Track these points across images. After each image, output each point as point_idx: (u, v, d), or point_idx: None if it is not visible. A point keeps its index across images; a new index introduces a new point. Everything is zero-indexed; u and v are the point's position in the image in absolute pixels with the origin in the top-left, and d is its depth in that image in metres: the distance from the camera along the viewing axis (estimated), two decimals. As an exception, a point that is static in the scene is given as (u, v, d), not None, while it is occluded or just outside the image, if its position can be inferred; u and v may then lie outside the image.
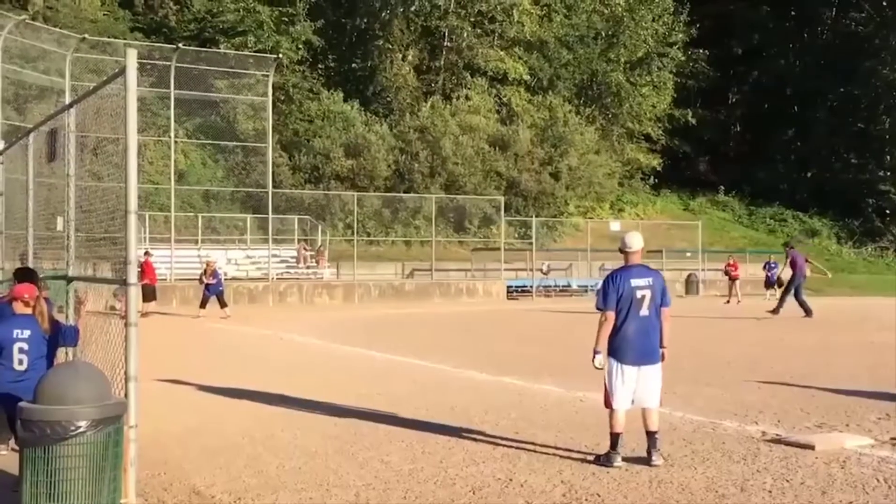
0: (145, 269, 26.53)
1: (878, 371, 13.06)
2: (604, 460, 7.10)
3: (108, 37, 37.57)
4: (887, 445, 7.81)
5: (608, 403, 7.26)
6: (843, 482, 6.62)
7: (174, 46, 34.35)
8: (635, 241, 7.43)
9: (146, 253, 27.87)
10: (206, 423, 9.14)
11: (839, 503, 6.08)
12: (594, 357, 7.24)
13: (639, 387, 7.18)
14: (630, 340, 7.17)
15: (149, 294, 26.20)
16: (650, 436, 7.16)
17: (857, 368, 13.41)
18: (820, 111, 56.70)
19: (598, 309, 7.34)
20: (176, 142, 35.18)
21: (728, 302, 32.11)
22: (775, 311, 23.94)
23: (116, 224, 6.60)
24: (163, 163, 37.17)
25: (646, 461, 7.08)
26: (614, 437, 7.13)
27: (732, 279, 33.43)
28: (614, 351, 7.22)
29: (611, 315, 7.20)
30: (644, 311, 7.21)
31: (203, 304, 25.61)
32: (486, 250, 40.44)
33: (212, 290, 25.61)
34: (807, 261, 25.05)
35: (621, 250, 7.46)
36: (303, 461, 7.38)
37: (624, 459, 7.10)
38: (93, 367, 5.68)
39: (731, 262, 34.42)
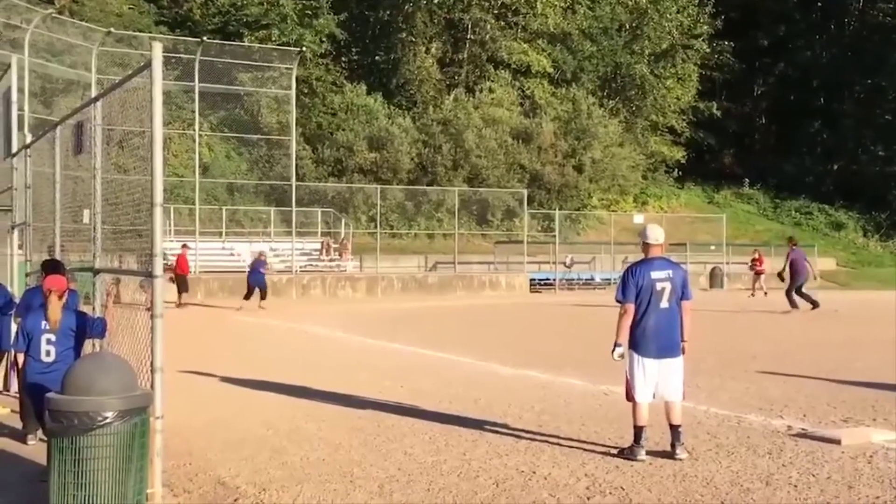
0: (180, 261, 26.80)
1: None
2: (628, 454, 7.08)
3: (134, 30, 37.80)
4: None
5: (629, 396, 7.26)
6: (870, 477, 6.56)
7: (199, 40, 34.51)
8: (657, 234, 7.42)
9: (184, 246, 28.14)
10: (231, 414, 9.19)
11: (866, 498, 6.03)
12: (614, 349, 7.24)
13: (660, 380, 7.17)
14: (650, 333, 7.16)
15: (183, 285, 26.49)
16: (673, 429, 7.14)
17: (883, 363, 13.29)
18: (847, 103, 56.15)
19: (617, 301, 7.33)
20: (200, 135, 35.37)
21: (752, 295, 31.83)
22: (789, 309, 23.63)
23: (142, 217, 6.65)
24: (187, 156, 37.38)
25: (670, 455, 7.06)
26: (638, 431, 7.11)
27: (757, 273, 33.11)
28: (635, 344, 7.21)
29: (630, 307, 7.19)
30: (664, 304, 7.19)
31: (247, 296, 25.78)
32: (508, 243, 40.38)
33: (253, 279, 25.87)
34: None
35: (643, 242, 7.44)
36: (327, 453, 7.41)
37: (648, 453, 7.08)
38: (119, 359, 5.73)
39: (757, 255, 34.06)
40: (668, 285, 7.21)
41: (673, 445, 7.11)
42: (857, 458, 7.10)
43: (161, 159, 5.92)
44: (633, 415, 7.22)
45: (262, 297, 25.54)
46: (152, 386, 5.84)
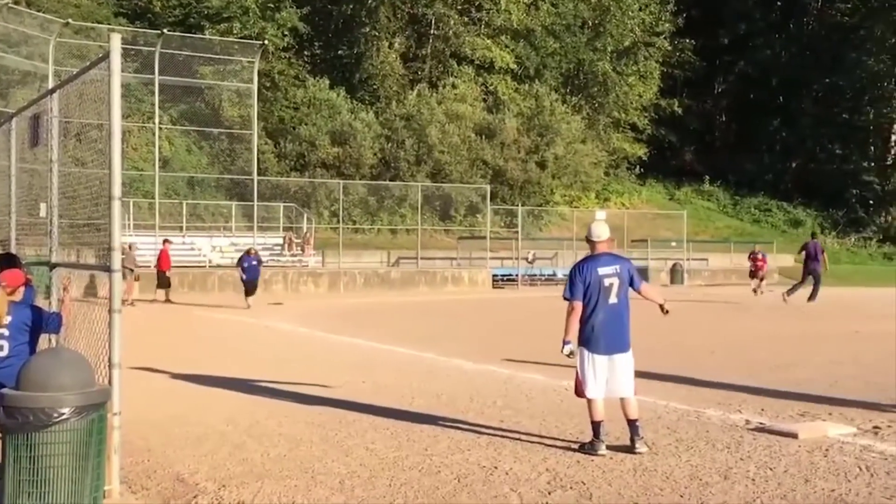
0: (161, 256, 26.55)
1: (861, 360, 13.15)
2: (588, 448, 7.12)
3: (92, 21, 37.29)
4: (869, 434, 7.85)
5: (580, 393, 7.29)
6: (826, 470, 6.65)
7: (159, 32, 34.16)
8: (600, 231, 7.43)
9: (166, 241, 27.85)
10: (190, 410, 9.11)
11: (822, 491, 6.11)
12: (563, 346, 7.24)
13: (611, 376, 7.18)
14: (599, 329, 7.18)
15: (164, 281, 26.22)
16: (631, 424, 7.17)
17: (841, 357, 13.49)
18: (805, 102, 56.91)
19: (564, 299, 7.35)
20: (160, 128, 35.04)
21: (757, 292, 30.68)
22: (811, 298, 24.92)
23: (100, 210, 6.56)
24: (147, 149, 37.00)
25: (630, 449, 7.10)
26: (595, 426, 7.15)
27: (758, 269, 31.85)
28: (585, 341, 7.23)
29: (577, 305, 7.21)
30: (613, 300, 7.21)
31: (247, 294, 24.77)
32: (471, 239, 40.43)
33: (248, 276, 24.84)
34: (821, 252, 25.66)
35: (588, 240, 7.45)
36: (287, 449, 7.37)
37: (608, 448, 7.12)
38: (76, 354, 5.64)
39: (761, 256, 32.86)
40: (615, 280, 7.22)
41: (632, 440, 7.13)
42: (814, 452, 7.19)
43: (119, 152, 5.84)
44: (588, 411, 7.25)
45: (250, 294, 24.64)
46: (110, 382, 5.76)
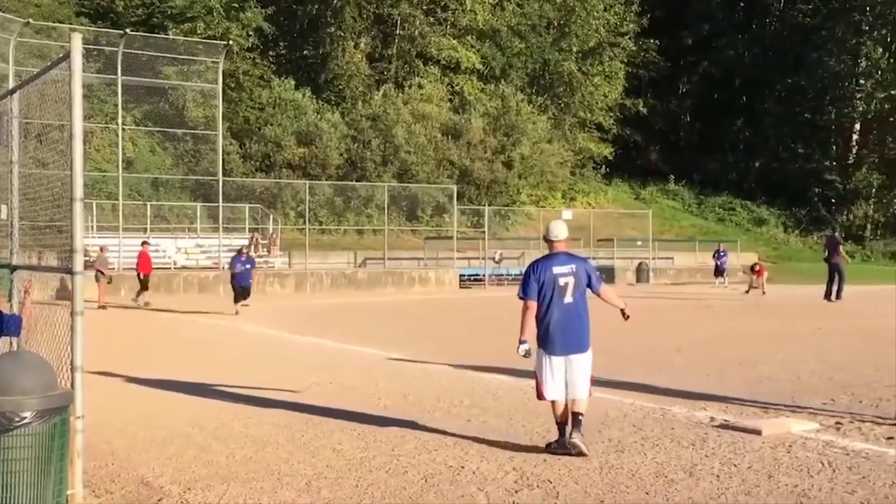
0: (140, 259, 26.19)
1: (824, 356, 13.32)
2: (555, 447, 7.11)
3: (53, 21, 36.83)
4: (832, 430, 7.96)
5: (540, 395, 7.25)
6: (789, 466, 6.73)
7: (121, 32, 33.75)
8: (558, 231, 7.36)
9: (144, 243, 27.50)
10: (155, 413, 9.02)
11: (785, 486, 6.18)
12: (519, 346, 7.17)
13: (568, 377, 7.10)
14: (555, 330, 7.10)
15: (142, 284, 25.86)
16: (574, 416, 7.08)
17: (804, 354, 13.66)
18: (768, 102, 57.47)
19: (519, 298, 7.27)
20: (123, 129, 34.63)
21: (757, 292, 30.29)
22: (838, 297, 25.27)
23: (62, 212, 6.49)
24: (110, 150, 36.61)
25: (572, 448, 6.97)
26: (560, 426, 7.15)
27: (758, 273, 31.24)
28: (541, 341, 7.17)
29: (532, 304, 7.14)
30: (568, 299, 7.11)
31: (237, 299, 22.52)
32: (438, 239, 40.44)
33: (240, 280, 22.46)
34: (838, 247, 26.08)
35: (546, 239, 7.41)
36: (253, 451, 7.32)
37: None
38: (38, 357, 5.57)
39: (759, 268, 32.30)
40: (571, 280, 7.12)
41: (570, 433, 7.03)
42: (777, 448, 7.28)
43: (81, 153, 5.78)
44: (552, 412, 7.25)
45: (241, 299, 22.39)
46: (72, 385, 5.70)
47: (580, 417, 7.08)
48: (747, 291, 30.75)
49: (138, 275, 25.92)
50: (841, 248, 26.48)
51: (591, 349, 7.22)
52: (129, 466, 6.83)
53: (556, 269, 7.14)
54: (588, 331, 7.20)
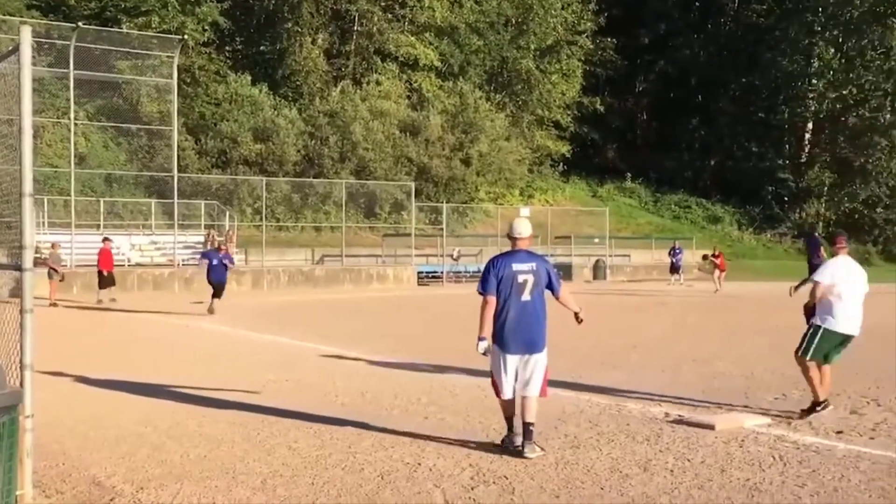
0: (101, 255, 25.74)
1: (776, 352, 13.49)
2: (507, 442, 7.10)
3: (3, 14, 36.13)
4: (783, 424, 8.07)
5: (498, 393, 7.17)
6: (741, 460, 6.82)
7: (73, 25, 33.19)
8: (521, 228, 7.28)
9: (106, 239, 27.03)
10: (108, 412, 8.90)
11: (737, 480, 6.26)
12: (478, 343, 7.08)
13: (521, 375, 7.02)
14: (510, 328, 6.99)
15: (105, 281, 25.41)
16: (526, 427, 6.94)
17: (756, 350, 13.84)
18: (723, 101, 58.11)
19: (479, 293, 7.18)
20: (76, 124, 34.10)
21: (722, 284, 31.22)
22: None
23: (11, 208, 6.37)
24: (62, 145, 36.06)
25: (518, 453, 6.89)
26: (508, 421, 7.14)
27: (717, 266, 32.07)
28: (498, 339, 7.04)
29: (490, 299, 7.04)
30: (525, 297, 7.00)
31: (215, 295, 21.16)
32: (396, 236, 40.39)
33: (213, 276, 21.22)
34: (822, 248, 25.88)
35: (509, 236, 7.34)
36: (208, 449, 7.25)
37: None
38: (-15, 356, 5.48)
39: (717, 252, 33.29)
40: (530, 278, 7.03)
41: (522, 444, 6.91)
42: (730, 443, 7.37)
43: (31, 148, 5.69)
44: (501, 409, 7.25)
45: (216, 296, 21.12)
46: (22, 384, 5.60)
47: (531, 427, 6.93)
48: (716, 291, 30.46)
49: (100, 272, 25.48)
50: (822, 249, 26.42)
51: (546, 349, 7.13)
52: (80, 466, 6.73)
53: (516, 266, 7.06)
54: (544, 330, 7.12)
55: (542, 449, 7.00)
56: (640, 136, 63.42)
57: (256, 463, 6.79)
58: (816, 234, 27.48)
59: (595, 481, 6.26)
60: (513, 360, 7.02)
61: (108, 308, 23.56)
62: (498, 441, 7.32)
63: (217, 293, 21.13)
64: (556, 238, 42.27)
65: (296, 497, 5.91)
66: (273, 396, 9.67)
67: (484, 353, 7.11)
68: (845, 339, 8.53)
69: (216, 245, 22.35)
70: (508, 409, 7.14)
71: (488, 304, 7.07)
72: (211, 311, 20.54)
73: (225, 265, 21.47)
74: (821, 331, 8.46)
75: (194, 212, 37.21)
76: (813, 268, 25.37)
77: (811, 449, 7.18)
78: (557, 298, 7.34)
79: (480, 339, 7.07)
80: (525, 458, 6.79)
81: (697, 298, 27.33)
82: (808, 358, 8.46)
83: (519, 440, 6.98)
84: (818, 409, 8.37)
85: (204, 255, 22.36)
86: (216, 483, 6.24)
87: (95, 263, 26.00)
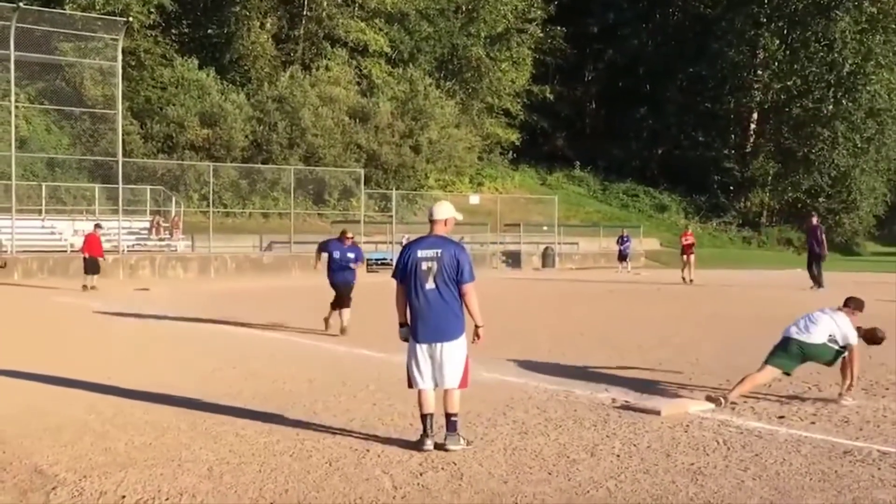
0: (88, 241, 25.18)
1: (719, 340, 13.72)
2: (418, 445, 6.72)
3: (-60, -7, 35.18)
4: (727, 410, 8.19)
5: (408, 384, 6.92)
6: (686, 445, 6.92)
7: (14, 6, 32.36)
8: (439, 211, 6.94)
9: (96, 226, 26.50)
10: (49, 401, 8.74)
11: (682, 465, 6.35)
12: (399, 330, 6.93)
13: (434, 366, 6.72)
14: (417, 316, 6.74)
15: (90, 267, 24.85)
16: (447, 419, 6.71)
17: (700, 337, 14.04)
18: (670, 90, 58.68)
19: (392, 278, 7.02)
20: (17, 106, 33.35)
21: (690, 281, 28.90)
22: (819, 285, 24.13)
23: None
24: (2, 129, 35.20)
25: (441, 446, 6.70)
26: (422, 419, 6.76)
27: (686, 252, 30.11)
28: (411, 327, 6.82)
29: (400, 286, 6.87)
30: (429, 285, 6.68)
31: (336, 304, 15.16)
32: (345, 223, 40.14)
33: (336, 277, 15.18)
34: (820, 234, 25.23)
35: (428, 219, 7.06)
36: (153, 437, 7.16)
37: (482, 432, 7.16)
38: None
39: (688, 232, 31.53)
40: (433, 265, 6.68)
41: (445, 437, 6.70)
42: (675, 428, 7.46)
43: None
44: (417, 403, 6.86)
45: (341, 305, 15.02)
46: (-41, 371, 5.48)
47: (453, 419, 6.72)
48: (691, 281, 28.79)
49: (85, 258, 24.93)
50: (823, 235, 25.59)
51: (462, 339, 6.77)
52: (21, 454, 6.60)
53: (421, 253, 6.74)
54: (458, 318, 6.73)
55: (469, 442, 6.80)
56: (588, 125, 63.86)
57: (203, 450, 6.72)
58: (814, 219, 26.67)
59: (543, 466, 6.30)
60: (422, 350, 6.73)
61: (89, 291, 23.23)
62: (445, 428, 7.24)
63: (342, 301, 14.89)
64: (506, 226, 42.44)
65: (243, 484, 5.85)
66: (220, 384, 9.58)
67: (405, 340, 6.91)
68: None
69: (346, 235, 15.21)
70: (424, 404, 6.75)
71: (398, 292, 6.90)
72: (343, 331, 14.36)
73: (352, 260, 15.14)
74: None
75: (140, 197, 36.66)
76: (815, 257, 24.78)
77: (754, 433, 7.30)
78: (462, 294, 6.74)
79: (401, 325, 6.91)
80: (449, 450, 6.61)
81: (644, 286, 27.62)
82: None
83: (430, 444, 6.67)
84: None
85: (322, 247, 16.21)
86: (161, 471, 6.16)
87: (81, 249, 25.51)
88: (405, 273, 6.80)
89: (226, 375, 10.22)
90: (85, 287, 24.27)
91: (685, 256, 30.07)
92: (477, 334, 6.82)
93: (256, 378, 10.01)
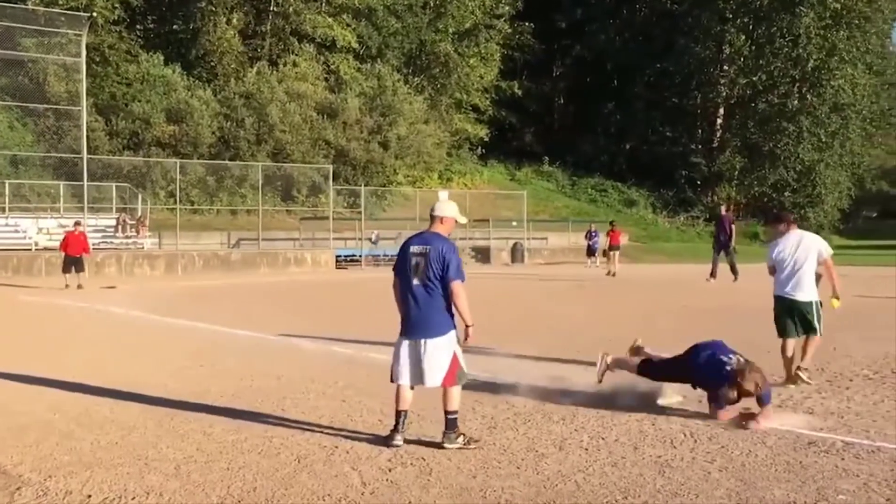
0: (68, 239, 24.71)
1: (687, 333, 13.77)
2: (387, 441, 6.72)
3: None
4: (695, 402, 8.24)
5: (390, 377, 6.91)
6: (654, 438, 6.96)
7: (-25, 1, 32.09)
8: (440, 209, 6.96)
9: (77, 223, 26.05)
10: (12, 400, 8.63)
11: (650, 457, 6.39)
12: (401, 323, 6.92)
13: (416, 362, 6.68)
14: (403, 311, 6.79)
15: (68, 265, 24.37)
16: (446, 416, 6.70)
17: (673, 330, 14.10)
18: (638, 86, 59.00)
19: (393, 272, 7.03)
20: (-21, 103, 32.94)
21: (612, 274, 29.84)
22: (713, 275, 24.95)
23: None
24: (-35, 126, 34.79)
25: (439, 445, 6.67)
26: (396, 415, 6.76)
27: (611, 247, 31.31)
28: (400, 321, 6.87)
29: (395, 280, 6.90)
30: (416, 280, 6.68)
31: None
32: (314, 219, 40.07)
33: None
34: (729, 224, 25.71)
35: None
36: (119, 436, 7.09)
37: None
38: None
39: (614, 229, 32.11)
40: (421, 260, 6.68)
41: (443, 434, 6.69)
42: (643, 421, 7.51)
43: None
44: (394, 398, 6.83)
45: None
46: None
47: (451, 416, 6.68)
48: (614, 274, 29.75)
49: (66, 256, 24.51)
50: (730, 225, 25.97)
51: (450, 336, 6.71)
52: (-16, 456, 6.51)
53: (413, 248, 6.77)
54: (443, 315, 6.69)
55: (470, 440, 6.71)
56: (557, 121, 64.07)
57: (170, 449, 6.67)
58: (723, 209, 27.29)
59: (511, 461, 6.31)
60: (405, 345, 6.74)
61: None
62: (416, 423, 7.24)
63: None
64: (475, 221, 42.41)
65: (211, 483, 5.81)
66: (187, 382, 9.51)
67: None
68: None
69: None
70: (401, 399, 6.74)
71: (394, 287, 6.94)
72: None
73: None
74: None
75: (105, 195, 36.31)
76: (723, 246, 25.30)
77: (721, 426, 7.36)
78: (449, 292, 6.69)
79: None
80: (444, 448, 6.61)
81: (614, 281, 27.77)
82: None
83: (399, 440, 6.67)
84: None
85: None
86: (128, 470, 6.10)
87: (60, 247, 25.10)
88: (399, 267, 6.87)
89: (193, 373, 10.15)
90: (67, 286, 23.91)
91: (611, 252, 31.20)
92: (466, 333, 6.72)
93: (224, 375, 9.95)
